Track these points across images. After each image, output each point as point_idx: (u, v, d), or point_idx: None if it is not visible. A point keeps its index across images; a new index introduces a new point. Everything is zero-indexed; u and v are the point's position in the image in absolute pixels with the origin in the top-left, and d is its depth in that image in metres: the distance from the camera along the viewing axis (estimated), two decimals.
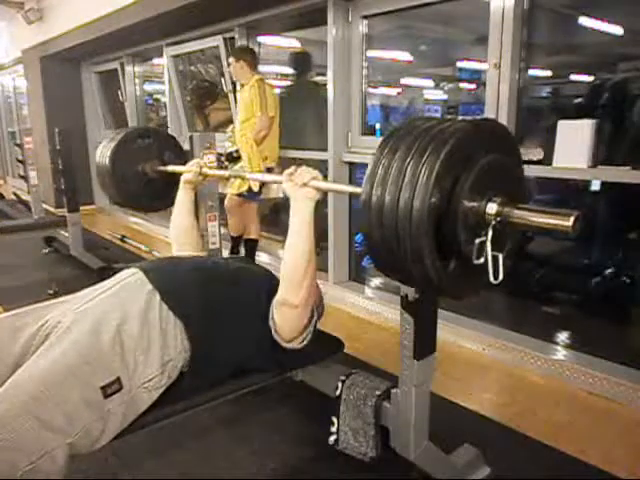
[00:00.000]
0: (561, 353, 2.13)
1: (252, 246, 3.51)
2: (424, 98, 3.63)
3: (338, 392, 1.63)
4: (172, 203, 2.01)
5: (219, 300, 1.46)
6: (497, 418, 1.91)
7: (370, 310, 2.68)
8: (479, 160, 0.99)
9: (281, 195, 4.70)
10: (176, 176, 2.02)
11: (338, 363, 1.77)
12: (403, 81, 3.61)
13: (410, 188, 0.92)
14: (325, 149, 2.87)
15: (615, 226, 2.44)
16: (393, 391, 1.50)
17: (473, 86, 2.97)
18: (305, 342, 1.50)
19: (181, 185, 1.95)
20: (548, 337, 2.23)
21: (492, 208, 1.01)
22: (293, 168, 1.48)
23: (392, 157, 0.97)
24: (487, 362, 2.13)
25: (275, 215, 4.61)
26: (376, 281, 3.10)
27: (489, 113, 2.14)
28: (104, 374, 1.16)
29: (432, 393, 1.50)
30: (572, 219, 0.94)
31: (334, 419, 1.63)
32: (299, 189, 1.44)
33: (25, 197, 5.80)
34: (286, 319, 1.46)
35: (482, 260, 1.01)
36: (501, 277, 1.03)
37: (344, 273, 3.03)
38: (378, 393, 1.56)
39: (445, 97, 3.47)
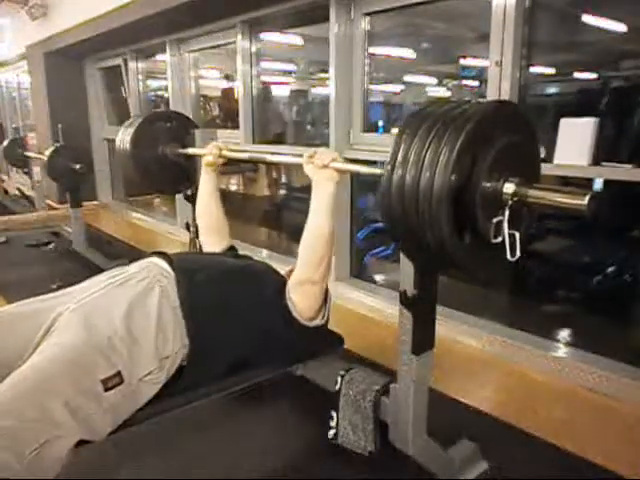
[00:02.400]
0: (561, 350, 2.13)
1: None
2: (427, 95, 3.64)
3: (337, 387, 1.64)
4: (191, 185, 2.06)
5: (225, 297, 1.48)
6: (496, 414, 1.92)
7: (370, 306, 2.69)
8: (497, 141, 1.02)
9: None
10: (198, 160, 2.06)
11: (338, 358, 1.78)
12: (405, 78, 3.61)
13: (431, 167, 0.96)
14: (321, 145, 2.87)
15: (617, 225, 2.44)
16: (392, 386, 1.52)
17: (476, 83, 2.97)
18: (325, 317, 1.57)
19: (203, 168, 1.98)
20: (548, 334, 2.23)
21: (509, 188, 1.04)
22: (313, 150, 1.51)
23: (412, 139, 1.01)
24: (486, 358, 2.14)
25: (277, 213, 4.64)
26: (377, 278, 3.10)
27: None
28: (105, 367, 1.17)
29: (431, 389, 1.51)
30: (587, 198, 0.97)
31: (333, 414, 1.65)
32: (320, 170, 1.47)
33: (28, 193, 5.84)
34: (307, 296, 1.50)
35: (499, 239, 1.05)
36: (518, 254, 1.06)
37: (345, 269, 3.03)
38: (377, 388, 1.57)
39: (448, 94, 3.47)
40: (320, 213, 1.48)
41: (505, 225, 1.04)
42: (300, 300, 1.50)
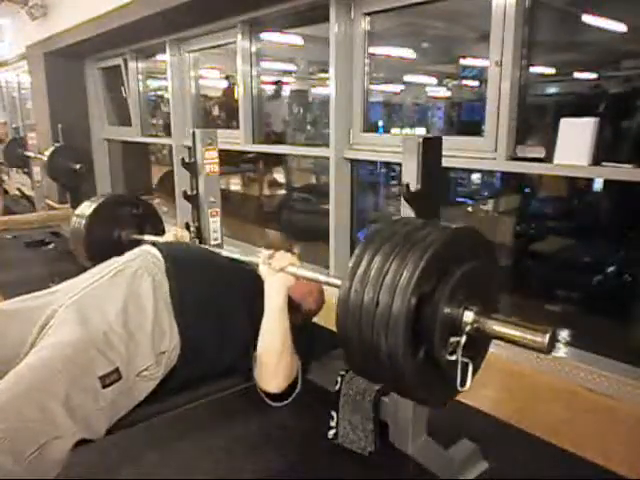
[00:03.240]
0: (561, 350, 2.13)
1: None
2: (427, 95, 3.64)
3: (337, 387, 1.65)
4: None
5: (216, 298, 1.47)
6: (496, 414, 1.92)
7: None
8: (457, 268, 1.00)
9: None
10: None
11: (337, 358, 1.78)
12: (406, 78, 3.61)
13: (390, 292, 0.94)
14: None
15: (617, 225, 2.44)
16: None
17: (476, 83, 2.98)
18: (297, 389, 1.49)
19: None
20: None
21: (469, 316, 1.01)
22: (272, 251, 1.50)
23: (374, 256, 1.00)
24: (486, 358, 2.13)
25: (278, 213, 4.64)
26: None
27: (491, 110, 2.14)
28: (102, 364, 1.16)
29: None
30: (547, 336, 0.93)
31: (333, 414, 1.65)
32: (275, 274, 1.45)
33: (29, 193, 5.84)
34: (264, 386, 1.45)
35: (454, 357, 1.01)
36: (468, 385, 1.04)
37: (345, 269, 3.03)
38: (377, 388, 1.57)
39: (448, 94, 3.47)
40: (273, 320, 1.43)
41: (459, 353, 1.00)
42: (259, 382, 1.45)
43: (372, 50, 2.73)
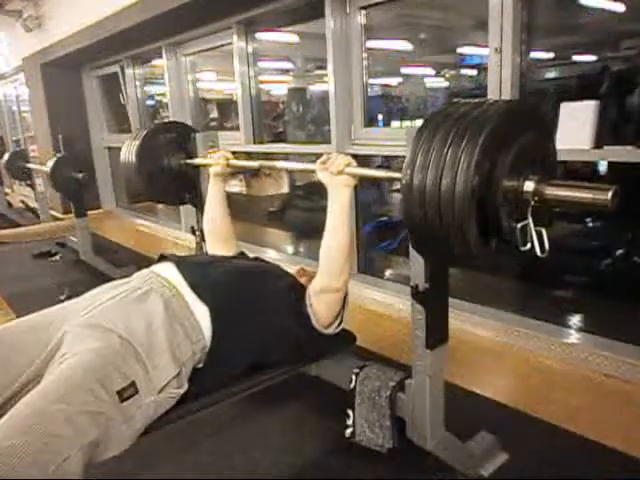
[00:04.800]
0: (574, 336, 2.12)
1: None
2: (426, 86, 3.62)
3: (352, 385, 1.64)
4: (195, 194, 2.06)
5: (243, 299, 1.46)
6: (512, 404, 1.90)
7: (380, 302, 2.68)
8: (514, 141, 1.01)
9: (283, 191, 4.72)
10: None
11: (351, 356, 1.77)
12: (404, 70, 3.59)
13: (451, 173, 0.96)
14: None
15: (624, 208, 2.42)
16: (407, 382, 1.51)
17: (475, 72, 2.95)
18: (341, 325, 1.56)
19: (211, 178, 1.97)
20: (561, 321, 2.22)
21: (529, 186, 1.03)
22: (325, 156, 1.48)
23: (431, 143, 1.00)
24: (500, 348, 2.12)
25: (282, 212, 4.63)
26: (386, 272, 3.09)
27: (492, 98, 2.12)
28: (119, 378, 1.16)
29: (446, 382, 1.50)
30: (610, 193, 0.95)
31: (349, 412, 1.64)
32: (335, 177, 1.43)
33: (33, 205, 5.86)
34: (327, 304, 1.49)
35: (528, 246, 1.05)
36: (547, 249, 1.06)
37: (353, 265, 3.02)
38: (392, 384, 1.56)
39: (447, 84, 3.45)
40: (338, 221, 1.45)
41: (531, 224, 1.04)
42: (320, 308, 1.49)
43: (369, 44, 2.72)
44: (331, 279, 1.47)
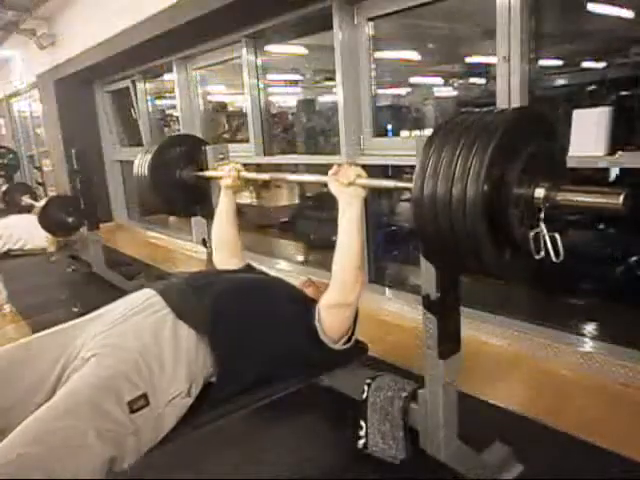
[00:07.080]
0: (589, 345, 2.09)
1: None
2: (434, 96, 3.62)
3: (365, 395, 1.62)
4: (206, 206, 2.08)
5: (247, 314, 1.46)
6: (527, 414, 1.88)
7: (392, 311, 2.67)
8: (524, 149, 1.02)
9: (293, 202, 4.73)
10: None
11: (363, 366, 1.76)
12: (412, 80, 3.60)
13: (462, 182, 0.96)
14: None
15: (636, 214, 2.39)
16: (420, 392, 1.49)
17: (483, 81, 2.95)
18: (352, 341, 1.54)
19: (222, 191, 1.98)
20: (575, 329, 2.19)
21: (540, 193, 1.03)
22: (336, 167, 1.47)
23: (440, 152, 1.01)
24: (513, 357, 2.10)
25: (292, 222, 4.64)
26: (397, 282, 3.08)
27: (501, 106, 2.12)
28: (130, 390, 1.17)
29: (459, 391, 1.48)
30: (622, 197, 0.94)
31: (362, 423, 1.62)
32: (345, 188, 1.43)
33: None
34: (339, 319, 1.48)
35: (542, 254, 1.05)
36: (562, 255, 1.05)
37: (364, 277, 3.02)
38: (405, 395, 1.55)
39: (456, 93, 3.45)
40: (350, 232, 1.44)
41: (544, 230, 1.03)
42: (331, 322, 1.47)
43: (377, 54, 2.73)
44: (344, 292, 1.45)
